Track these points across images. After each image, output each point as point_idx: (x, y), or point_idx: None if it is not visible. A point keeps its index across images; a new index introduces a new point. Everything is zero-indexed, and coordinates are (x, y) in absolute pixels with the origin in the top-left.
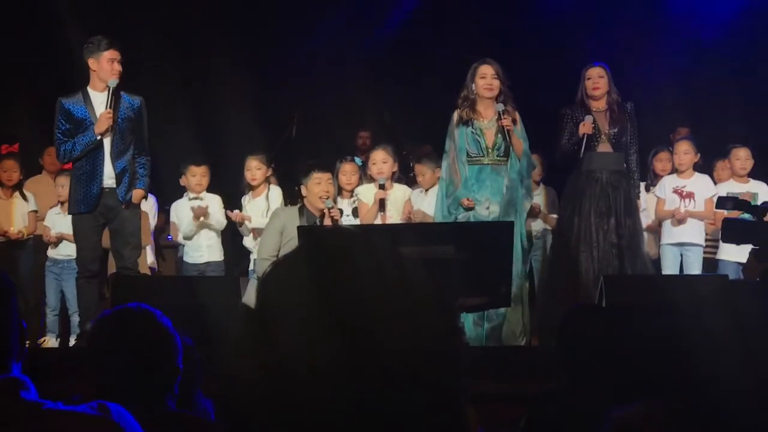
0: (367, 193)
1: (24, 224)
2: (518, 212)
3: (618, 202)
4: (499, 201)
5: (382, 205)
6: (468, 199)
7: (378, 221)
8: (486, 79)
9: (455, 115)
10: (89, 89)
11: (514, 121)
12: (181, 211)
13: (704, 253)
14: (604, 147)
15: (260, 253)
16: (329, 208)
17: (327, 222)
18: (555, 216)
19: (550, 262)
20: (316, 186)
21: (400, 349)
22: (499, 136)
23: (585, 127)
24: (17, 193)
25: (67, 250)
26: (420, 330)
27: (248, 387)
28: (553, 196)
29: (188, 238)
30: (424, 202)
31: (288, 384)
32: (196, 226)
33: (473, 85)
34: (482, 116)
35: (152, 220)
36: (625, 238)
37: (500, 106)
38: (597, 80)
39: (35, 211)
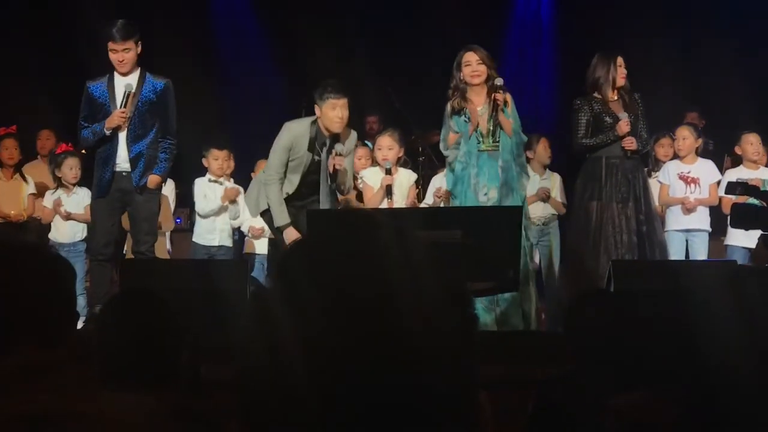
0: (372, 176)
1: (24, 206)
2: (515, 191)
3: (637, 188)
4: (497, 186)
5: (389, 190)
6: (446, 191)
7: (384, 206)
8: (471, 66)
9: (448, 107)
10: (115, 73)
11: (505, 103)
12: (207, 188)
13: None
14: None
15: (267, 169)
16: (339, 156)
17: (338, 165)
18: (562, 201)
19: (566, 248)
20: (331, 111)
21: (414, 334)
22: (492, 121)
23: (623, 128)
24: (17, 175)
25: (73, 233)
26: (434, 315)
27: (262, 372)
28: (559, 181)
29: (205, 216)
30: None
31: (300, 368)
32: (220, 207)
33: (460, 74)
34: (474, 104)
35: (171, 204)
36: (645, 223)
37: (500, 80)
38: (624, 70)
39: (34, 194)
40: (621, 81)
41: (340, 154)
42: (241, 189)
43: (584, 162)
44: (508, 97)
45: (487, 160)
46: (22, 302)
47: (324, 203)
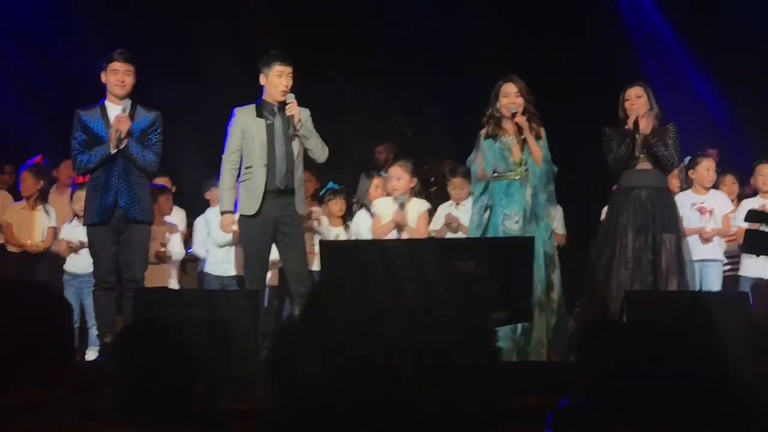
0: (383, 206)
1: (42, 238)
2: (540, 217)
3: (656, 219)
4: (523, 214)
5: (399, 227)
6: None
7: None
8: (509, 97)
9: (482, 132)
10: (107, 103)
11: (538, 137)
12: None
13: (726, 269)
14: (644, 165)
15: (225, 153)
16: (288, 103)
17: (289, 111)
18: (562, 233)
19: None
20: (277, 78)
21: (438, 368)
22: (526, 151)
23: (630, 123)
24: (40, 207)
25: (88, 264)
26: (457, 349)
27: (287, 405)
28: (560, 212)
29: (221, 246)
30: (458, 216)
31: (326, 402)
32: (234, 236)
33: (497, 104)
34: (508, 132)
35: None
36: (663, 254)
37: (513, 108)
38: (635, 100)
39: (54, 228)
40: (632, 113)
41: (291, 102)
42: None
43: (611, 193)
44: (542, 132)
45: (519, 188)
46: (20, 341)
47: (282, 168)
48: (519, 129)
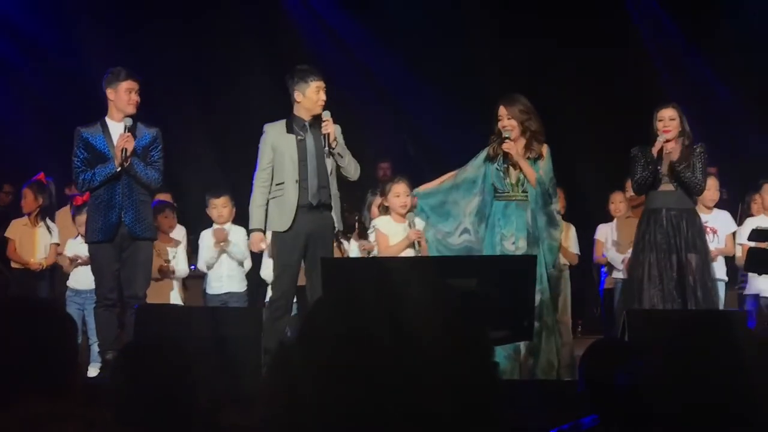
0: (387, 225)
1: (45, 255)
2: (540, 239)
3: (678, 240)
4: (525, 236)
5: (417, 244)
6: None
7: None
8: (502, 121)
9: (484, 151)
10: (107, 120)
11: (540, 156)
12: (205, 239)
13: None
14: (666, 186)
15: (257, 170)
16: (324, 120)
17: (325, 129)
18: (575, 252)
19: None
20: (316, 93)
21: (434, 385)
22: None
23: (656, 147)
24: (42, 224)
25: (91, 280)
26: (453, 366)
27: (283, 422)
28: (573, 231)
29: (209, 266)
30: None
31: (320, 420)
32: (218, 253)
33: (496, 127)
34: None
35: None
36: (689, 275)
37: (507, 132)
38: (668, 122)
39: (57, 244)
40: (663, 134)
41: (328, 120)
42: (239, 233)
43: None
44: (543, 151)
45: (516, 209)
46: (27, 355)
47: (314, 183)
48: (502, 141)
